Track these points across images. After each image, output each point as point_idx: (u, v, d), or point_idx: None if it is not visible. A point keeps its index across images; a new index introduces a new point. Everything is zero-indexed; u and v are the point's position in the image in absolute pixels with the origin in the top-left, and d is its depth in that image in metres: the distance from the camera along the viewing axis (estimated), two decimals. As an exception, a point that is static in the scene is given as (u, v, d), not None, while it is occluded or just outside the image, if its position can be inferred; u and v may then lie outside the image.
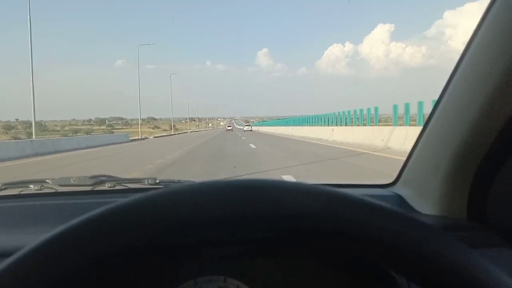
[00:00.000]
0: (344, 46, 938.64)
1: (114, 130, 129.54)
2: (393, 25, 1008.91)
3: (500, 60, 0.55)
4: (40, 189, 1.07)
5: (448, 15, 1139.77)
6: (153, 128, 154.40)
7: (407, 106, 12.03)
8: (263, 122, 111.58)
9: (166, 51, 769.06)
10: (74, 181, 1.08)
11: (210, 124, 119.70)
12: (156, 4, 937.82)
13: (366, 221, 0.30)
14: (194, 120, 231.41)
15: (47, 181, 1.10)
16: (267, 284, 0.52)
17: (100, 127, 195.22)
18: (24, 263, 0.27)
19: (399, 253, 0.30)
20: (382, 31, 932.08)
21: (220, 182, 0.32)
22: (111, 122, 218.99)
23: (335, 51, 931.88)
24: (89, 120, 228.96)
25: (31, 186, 1.08)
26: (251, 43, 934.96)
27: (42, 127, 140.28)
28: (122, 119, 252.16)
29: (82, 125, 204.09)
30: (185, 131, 71.53)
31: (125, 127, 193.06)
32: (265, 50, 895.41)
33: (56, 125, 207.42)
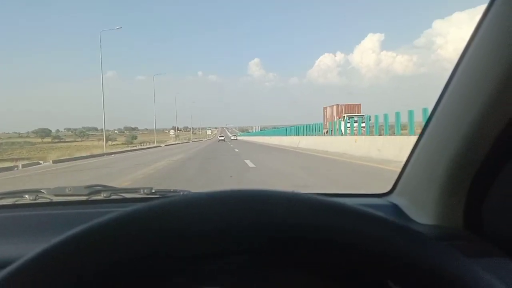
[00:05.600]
0: (335, 56, 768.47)
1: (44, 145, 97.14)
2: (383, 34, 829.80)
3: (493, 71, 0.55)
4: (35, 199, 1.05)
5: (437, 24, 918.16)
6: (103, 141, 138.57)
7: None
8: (254, 132, 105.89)
9: (159, 62, 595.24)
10: (69, 191, 1.07)
11: (171, 132, 77.79)
12: (147, 17, 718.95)
13: (359, 230, 0.30)
14: (180, 130, 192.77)
15: (42, 191, 1.08)
16: None
17: (43, 140, 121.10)
18: (19, 275, 0.27)
19: (393, 263, 0.29)
20: (372, 40, 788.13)
21: (218, 193, 0.32)
22: (59, 134, 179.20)
23: (326, 60, 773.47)
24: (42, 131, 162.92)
25: (26, 196, 1.06)
26: (243, 53, 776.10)
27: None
28: (96, 129, 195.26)
29: (20, 137, 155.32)
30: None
31: (78, 139, 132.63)
32: (256, 60, 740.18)
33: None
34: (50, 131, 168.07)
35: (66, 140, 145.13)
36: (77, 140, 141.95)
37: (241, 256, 0.31)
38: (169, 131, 56.13)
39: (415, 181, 0.82)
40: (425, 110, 9.85)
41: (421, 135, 0.79)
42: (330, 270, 0.32)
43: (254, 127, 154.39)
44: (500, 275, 0.58)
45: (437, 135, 0.72)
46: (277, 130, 37.84)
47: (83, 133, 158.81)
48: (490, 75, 0.55)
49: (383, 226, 0.31)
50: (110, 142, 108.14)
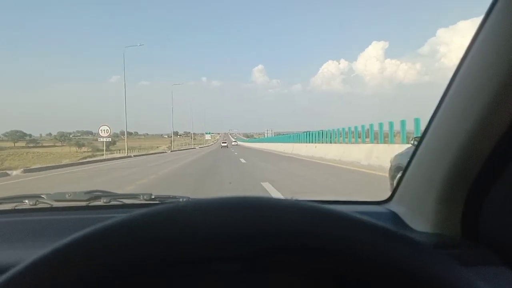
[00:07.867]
0: (339, 63, 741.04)
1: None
2: (387, 42, 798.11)
3: (489, 82, 0.55)
4: (35, 204, 1.06)
5: (441, 32, 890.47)
6: (71, 147, 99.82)
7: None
8: (260, 138, 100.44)
9: (162, 68, 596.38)
10: (69, 196, 1.08)
11: (103, 129, 25.20)
12: (151, 23, 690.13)
13: (353, 238, 0.30)
14: (180, 135, 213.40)
15: (42, 196, 1.08)
16: None
17: (16, 144, 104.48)
18: (22, 278, 0.27)
19: (386, 270, 0.29)
20: (376, 48, 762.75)
21: (216, 200, 0.32)
22: (37, 138, 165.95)
23: (330, 68, 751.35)
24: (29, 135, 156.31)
25: (26, 201, 1.06)
26: (247, 60, 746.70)
27: None
28: (91, 133, 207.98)
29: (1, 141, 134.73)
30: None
31: (58, 144, 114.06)
32: (260, 66, 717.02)
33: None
34: (25, 134, 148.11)
35: (44, 144, 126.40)
36: (56, 144, 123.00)
37: (233, 263, 0.31)
38: (99, 130, 26.03)
39: (413, 189, 0.82)
40: (417, 120, 9.98)
41: (419, 144, 0.79)
42: (324, 276, 0.32)
43: (266, 132, 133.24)
44: (498, 283, 0.58)
45: (435, 143, 0.72)
46: (292, 136, 30.86)
47: (64, 137, 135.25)
48: (486, 87, 0.56)
49: (377, 233, 0.31)
50: (85, 148, 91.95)
